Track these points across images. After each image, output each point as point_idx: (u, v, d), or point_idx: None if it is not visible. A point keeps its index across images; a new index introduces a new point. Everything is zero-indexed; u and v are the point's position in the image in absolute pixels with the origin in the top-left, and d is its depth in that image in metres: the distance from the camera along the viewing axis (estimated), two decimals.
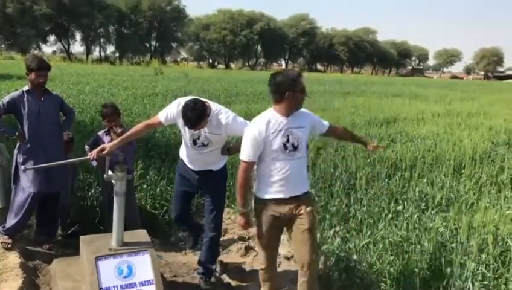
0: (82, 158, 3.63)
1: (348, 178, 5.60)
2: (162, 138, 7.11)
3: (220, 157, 3.48)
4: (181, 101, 3.23)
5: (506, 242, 3.66)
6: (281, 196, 2.87)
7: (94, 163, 3.97)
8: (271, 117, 2.83)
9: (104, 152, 3.21)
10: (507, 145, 8.19)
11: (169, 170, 5.55)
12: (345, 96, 18.50)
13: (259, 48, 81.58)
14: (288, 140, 2.81)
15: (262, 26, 74.76)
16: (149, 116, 8.75)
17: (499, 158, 6.89)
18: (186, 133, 3.31)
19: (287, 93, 2.78)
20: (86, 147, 4.23)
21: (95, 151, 3.23)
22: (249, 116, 10.33)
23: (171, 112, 3.26)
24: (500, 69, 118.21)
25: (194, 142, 3.32)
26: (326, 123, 3.16)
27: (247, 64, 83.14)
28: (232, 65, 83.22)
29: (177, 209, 3.78)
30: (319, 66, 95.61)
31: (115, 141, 3.32)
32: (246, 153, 2.84)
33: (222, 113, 3.22)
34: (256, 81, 26.19)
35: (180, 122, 3.22)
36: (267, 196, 2.90)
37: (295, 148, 2.84)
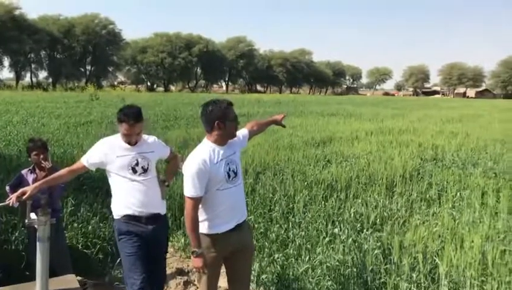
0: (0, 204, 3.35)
1: (286, 202, 5.65)
2: (96, 171, 6.81)
3: (160, 194, 3.30)
4: (105, 140, 3.12)
5: (434, 259, 3.83)
6: (227, 226, 2.82)
7: (16, 204, 3.69)
8: (209, 148, 2.80)
9: (24, 196, 2.99)
10: (434, 161, 8.71)
11: (102, 205, 5.31)
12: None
13: (198, 70, 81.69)
14: (229, 168, 2.81)
15: (200, 48, 75.05)
16: (82, 147, 8.42)
17: (427, 174, 7.28)
18: (122, 163, 3.07)
19: (218, 123, 2.77)
20: (7, 187, 3.92)
21: (14, 196, 3.00)
22: (187, 142, 10.34)
23: (95, 153, 3.09)
24: (427, 85, 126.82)
25: (134, 170, 3.08)
26: (245, 131, 3.18)
27: (187, 86, 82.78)
28: (172, 87, 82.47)
29: (140, 277, 2.99)
30: (258, 87, 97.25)
31: (36, 184, 3.09)
32: (192, 188, 2.70)
33: (149, 137, 3.25)
34: (197, 104, 26.12)
35: (109, 158, 3.07)
36: (214, 230, 2.81)
37: (236, 174, 2.84)
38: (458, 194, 6.24)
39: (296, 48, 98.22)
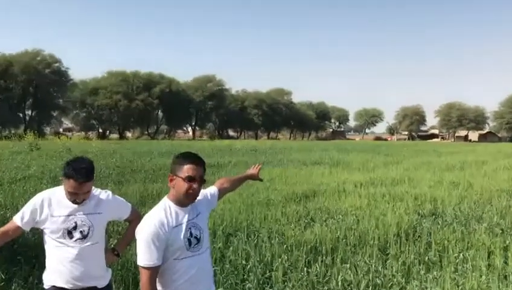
0: None
1: (262, 270, 5.61)
2: (32, 236, 6.65)
3: (104, 264, 3.24)
4: (44, 194, 3.08)
5: None
6: None
7: None
8: (167, 208, 2.75)
9: None
10: (433, 216, 8.86)
11: (39, 279, 5.14)
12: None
13: (160, 114, 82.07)
14: (191, 233, 2.76)
15: (162, 88, 75.89)
16: (17, 208, 8.23)
17: (425, 232, 7.39)
18: (57, 225, 3.01)
19: (171, 178, 2.75)
20: None
21: None
22: (144, 199, 10.26)
23: (30, 209, 3.02)
24: (423, 128, 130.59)
25: (70, 235, 3.01)
26: (214, 189, 3.20)
27: (146, 132, 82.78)
28: (128, 134, 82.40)
29: None
30: (231, 132, 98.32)
31: None
32: (147, 256, 2.63)
33: (100, 192, 3.19)
34: (157, 153, 26.09)
35: (44, 216, 2.99)
36: None
37: (198, 241, 2.79)
38: (461, 255, 6.33)
39: (273, 87, 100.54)
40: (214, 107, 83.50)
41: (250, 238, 6.85)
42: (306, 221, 8.17)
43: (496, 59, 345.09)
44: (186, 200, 2.77)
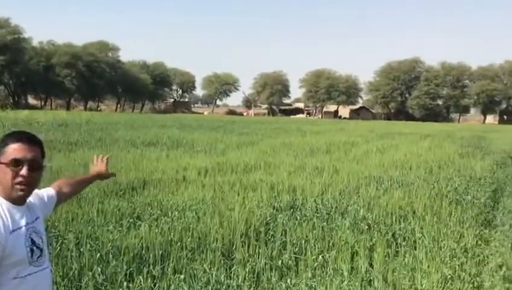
0: None
1: (67, 287, 5.49)
2: None
3: None
4: None
5: None
6: None
7: None
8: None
9: None
10: (291, 210, 9.38)
11: None
12: (72, 148, 18.44)
13: None
14: (33, 241, 2.66)
15: None
16: None
17: (280, 230, 7.80)
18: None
19: None
20: None
21: None
22: None
23: None
24: (286, 101, 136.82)
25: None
26: (51, 191, 3.12)
27: None
28: None
29: None
30: (31, 100, 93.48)
31: None
32: None
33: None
34: None
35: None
36: None
37: (41, 252, 2.71)
38: (321, 257, 6.80)
39: (93, 40, 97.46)
40: (6, 64, 78.31)
41: (51, 246, 6.61)
42: (130, 221, 8.12)
43: (373, 23, 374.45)
44: (15, 194, 2.63)
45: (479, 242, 8.05)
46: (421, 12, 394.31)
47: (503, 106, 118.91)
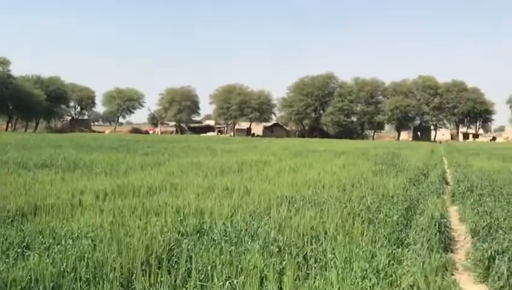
0: None
1: None
2: None
3: None
4: None
5: None
6: None
7: None
8: None
9: None
10: (198, 235, 9.28)
11: None
12: None
13: None
14: None
15: None
16: None
17: (185, 257, 7.68)
18: None
19: None
20: None
21: None
22: None
23: None
24: (196, 118, 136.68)
25: None
26: None
27: None
28: None
29: None
30: None
31: None
32: None
33: None
34: None
35: None
36: None
37: None
38: (228, 283, 6.74)
39: None
40: None
41: None
42: (18, 251, 7.80)
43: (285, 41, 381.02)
44: None
45: (392, 262, 8.19)
46: (334, 27, 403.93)
47: (417, 121, 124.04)
